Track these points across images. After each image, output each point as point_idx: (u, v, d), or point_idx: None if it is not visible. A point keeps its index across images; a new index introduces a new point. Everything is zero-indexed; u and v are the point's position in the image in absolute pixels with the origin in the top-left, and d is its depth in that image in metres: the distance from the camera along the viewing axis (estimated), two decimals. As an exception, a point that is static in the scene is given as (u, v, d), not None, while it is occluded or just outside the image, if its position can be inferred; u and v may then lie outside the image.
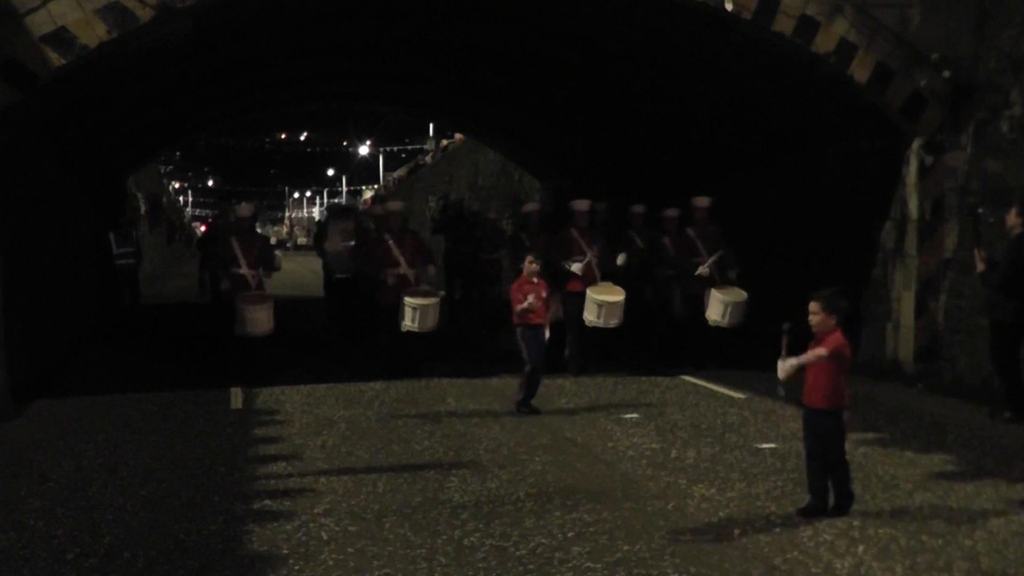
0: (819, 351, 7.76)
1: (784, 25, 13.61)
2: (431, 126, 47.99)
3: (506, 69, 19.91)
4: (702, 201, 15.36)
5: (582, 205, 15.12)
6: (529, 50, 17.95)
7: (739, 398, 12.92)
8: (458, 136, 36.45)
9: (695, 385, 13.89)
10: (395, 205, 15.10)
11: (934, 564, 6.85)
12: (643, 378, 14.09)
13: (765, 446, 10.32)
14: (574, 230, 14.93)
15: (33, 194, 13.99)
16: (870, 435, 10.62)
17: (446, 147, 38.45)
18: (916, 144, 14.13)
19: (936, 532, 7.51)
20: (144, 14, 11.52)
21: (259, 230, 18.39)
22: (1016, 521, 7.77)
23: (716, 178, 16.98)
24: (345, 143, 60.03)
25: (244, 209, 14.44)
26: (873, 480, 8.79)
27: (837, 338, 7.77)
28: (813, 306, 7.89)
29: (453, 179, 34.77)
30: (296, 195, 73.58)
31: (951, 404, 12.50)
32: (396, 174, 50.32)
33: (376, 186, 50.88)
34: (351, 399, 12.67)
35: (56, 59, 11.45)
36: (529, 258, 11.92)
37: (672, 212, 15.64)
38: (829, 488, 7.87)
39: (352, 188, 59.02)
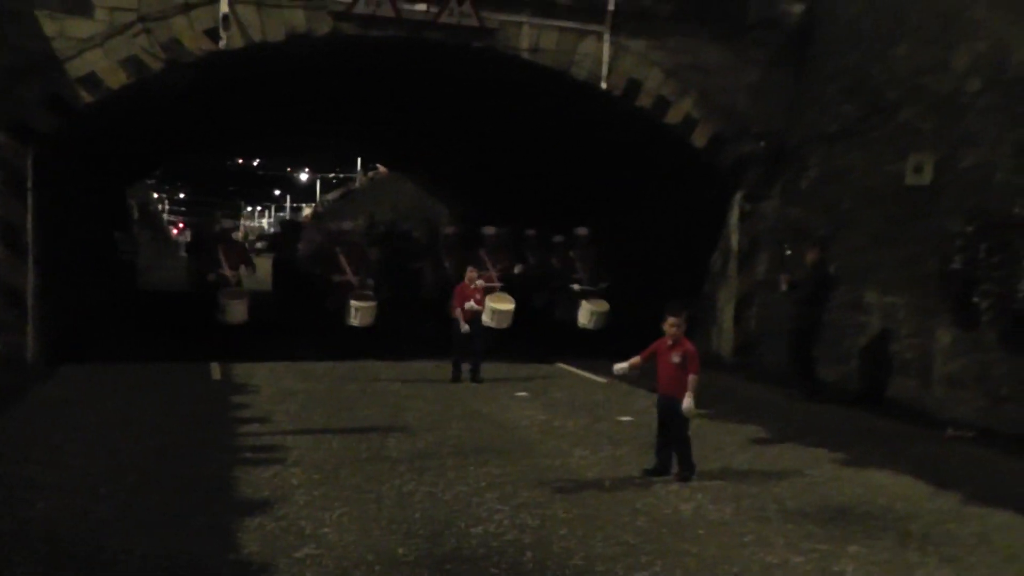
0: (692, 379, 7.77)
1: (645, 101, 13.94)
2: (359, 159, 47.36)
3: (424, 119, 19.70)
4: (582, 230, 15.65)
5: (490, 230, 15.34)
6: (445, 105, 17.88)
7: (602, 382, 12.98)
8: (383, 169, 36.16)
9: (569, 371, 13.97)
10: (347, 224, 15.21)
11: (753, 506, 7.26)
12: (530, 365, 14.10)
13: (624, 419, 10.53)
14: (483, 250, 15.11)
15: (63, 198, 13.78)
16: (703, 411, 10.93)
17: (373, 176, 38.24)
18: (739, 195, 14.47)
19: (753, 483, 7.91)
20: (156, 65, 11.54)
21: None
22: (809, 475, 8.24)
23: (593, 212, 17.13)
24: (289, 169, 59.68)
25: (229, 223, 14.44)
26: (706, 445, 9.02)
27: (688, 343, 7.93)
28: (672, 319, 7.87)
29: (379, 202, 34.55)
30: (248, 208, 72.30)
31: (760, 388, 12.83)
32: (330, 196, 50.04)
33: (314, 204, 50.54)
34: (306, 375, 12.61)
35: (87, 96, 11.41)
36: (470, 269, 12.37)
37: (558, 238, 15.96)
38: (671, 456, 8.03)
39: (294, 205, 58.43)
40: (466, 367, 12.69)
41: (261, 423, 9.65)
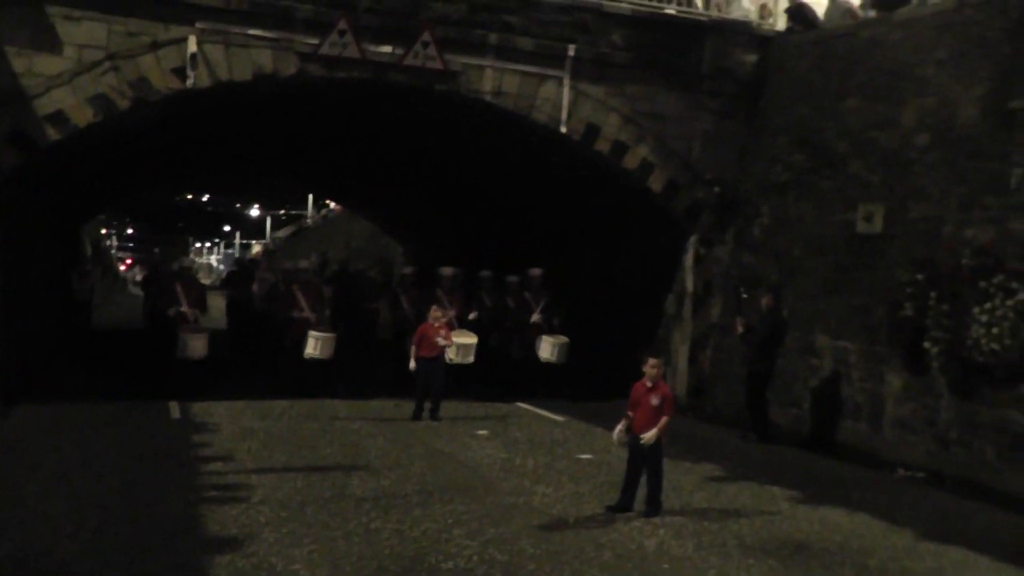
0: (663, 422, 8.10)
1: (603, 146, 14.11)
2: (310, 196, 47.07)
3: (383, 158, 19.74)
4: (536, 271, 15.81)
5: (447, 271, 15.44)
6: (406, 145, 17.96)
7: (561, 420, 13.20)
8: (336, 206, 36.07)
9: (527, 410, 14.02)
10: (303, 263, 15.25)
11: (714, 542, 7.48)
12: (488, 404, 14.11)
13: (584, 456, 10.68)
14: (439, 290, 15.22)
15: (25, 236, 13.61)
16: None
17: (326, 214, 38.17)
18: (693, 239, 14.63)
19: (713, 520, 8.14)
20: (123, 103, 11.51)
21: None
22: (767, 512, 8.50)
23: (552, 253, 17.20)
24: (239, 205, 59.34)
25: (188, 261, 14.39)
26: (664, 484, 8.91)
27: (664, 386, 8.20)
28: (653, 361, 8.17)
29: (332, 240, 34.44)
30: (198, 244, 71.58)
31: (713, 429, 13.01)
32: (281, 233, 49.79)
33: (264, 242, 50.23)
34: (265, 413, 12.53)
35: (53, 134, 11.30)
36: (434, 308, 12.55)
37: (512, 278, 16.10)
38: (635, 495, 8.21)
39: (244, 242, 57.98)
40: (426, 406, 12.76)
41: (223, 461, 9.61)
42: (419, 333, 12.85)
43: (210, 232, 59.39)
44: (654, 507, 8.17)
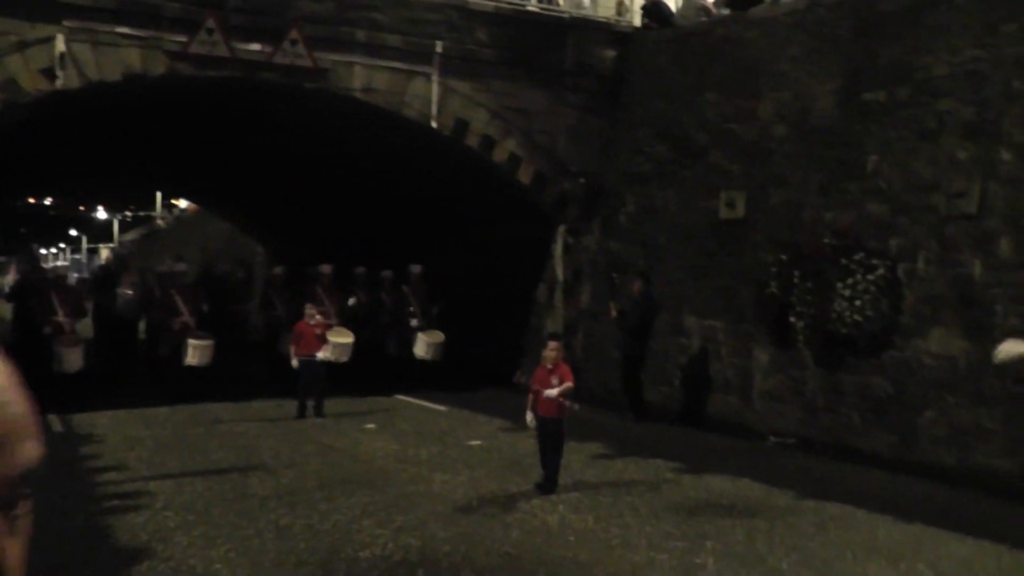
0: (565, 385, 8.42)
1: (472, 140, 14.36)
2: (159, 195, 45.16)
3: (248, 155, 19.38)
4: (416, 268, 15.97)
5: (326, 269, 15.41)
6: (273, 142, 17.67)
7: (443, 410, 13.42)
8: (190, 206, 34.99)
9: (409, 402, 14.18)
10: (180, 266, 14.92)
11: (611, 514, 7.91)
12: (369, 399, 14.16)
13: (474, 443, 10.98)
14: (318, 288, 15.18)
15: None
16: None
17: (179, 215, 36.98)
18: (562, 230, 15.07)
19: (606, 494, 8.58)
20: (-11, 106, 11.06)
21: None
22: (655, 484, 9.02)
23: (428, 248, 17.36)
24: (83, 208, 56.70)
25: (63, 268, 13.86)
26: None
27: (565, 367, 8.56)
28: (553, 344, 8.62)
29: (186, 242, 33.45)
30: (43, 251, 67.91)
31: (590, 411, 13.15)
32: (131, 236, 47.91)
33: (112, 246, 48.21)
34: (149, 420, 12.30)
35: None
36: (310, 306, 12.59)
37: (387, 273, 16.20)
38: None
39: (91, 246, 55.48)
40: (309, 403, 12.78)
41: (117, 471, 9.46)
42: (297, 332, 12.87)
43: (55, 237, 56.54)
44: (551, 484, 8.56)
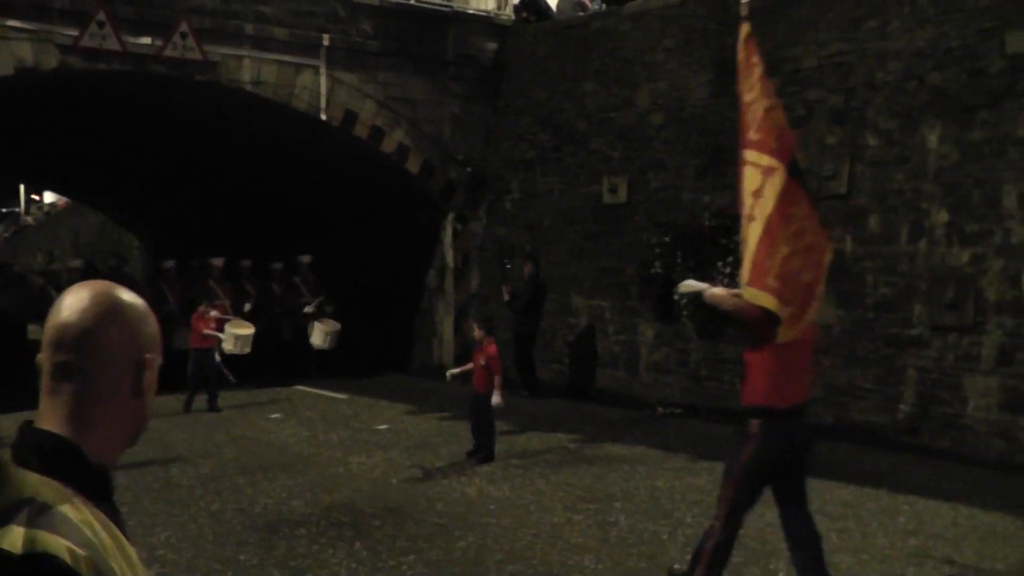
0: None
1: (362, 131, 14.63)
2: (22, 187, 42.92)
3: (130, 150, 19.13)
4: (305, 257, 16.17)
5: (217, 262, 15.44)
6: (159, 136, 17.56)
7: (343, 398, 13.61)
8: (60, 200, 33.62)
9: (308, 391, 14.29)
10: (75, 263, 14.64)
11: (524, 483, 8.49)
12: (268, 389, 14.21)
13: (381, 427, 11.30)
14: (211, 280, 15.22)
15: None
16: (446, 413, 11.94)
17: (48, 211, 35.50)
18: (450, 217, 15.52)
19: (516, 466, 9.20)
20: None
21: None
22: (559, 455, 9.61)
23: (319, 238, 17.49)
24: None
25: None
26: (461, 441, 9.85)
27: (489, 348, 9.17)
28: (475, 325, 9.50)
29: (57, 238, 32.32)
30: None
31: None
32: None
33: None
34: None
35: None
36: (205, 303, 12.70)
37: (277, 265, 16.33)
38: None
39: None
40: (199, 398, 12.78)
41: (32, 468, 9.42)
42: (193, 324, 12.94)
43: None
44: (488, 452, 9.35)
